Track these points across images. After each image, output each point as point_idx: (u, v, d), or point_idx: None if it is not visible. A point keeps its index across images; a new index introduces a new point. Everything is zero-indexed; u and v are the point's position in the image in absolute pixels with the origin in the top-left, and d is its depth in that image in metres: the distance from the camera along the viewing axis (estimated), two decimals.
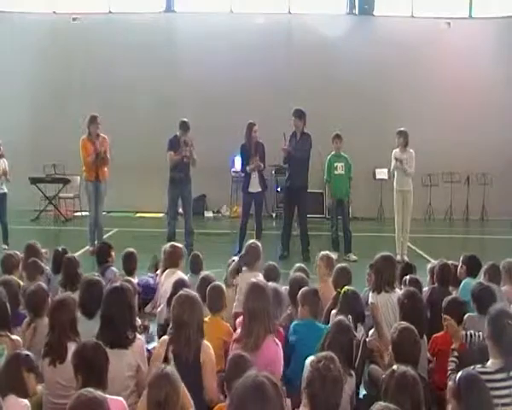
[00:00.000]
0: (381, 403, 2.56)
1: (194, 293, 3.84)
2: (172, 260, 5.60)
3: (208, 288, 4.60)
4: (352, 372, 3.56)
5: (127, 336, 3.56)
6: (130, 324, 3.65)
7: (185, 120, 9.25)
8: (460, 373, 2.87)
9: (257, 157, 8.94)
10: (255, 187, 9.09)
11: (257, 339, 3.61)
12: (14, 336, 3.70)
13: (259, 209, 9.30)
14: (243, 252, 5.54)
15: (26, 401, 3.00)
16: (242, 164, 9.28)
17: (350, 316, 4.00)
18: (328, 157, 9.48)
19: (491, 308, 3.59)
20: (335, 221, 9.47)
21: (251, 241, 5.58)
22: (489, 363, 3.31)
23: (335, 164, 9.36)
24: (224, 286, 4.87)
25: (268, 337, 3.67)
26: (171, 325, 3.68)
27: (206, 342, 3.63)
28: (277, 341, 3.74)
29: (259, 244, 5.40)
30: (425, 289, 5.13)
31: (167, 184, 9.33)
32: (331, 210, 9.62)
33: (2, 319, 3.74)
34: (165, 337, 3.66)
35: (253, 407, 2.20)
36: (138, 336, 3.77)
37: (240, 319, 4.30)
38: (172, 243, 5.96)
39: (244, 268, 5.33)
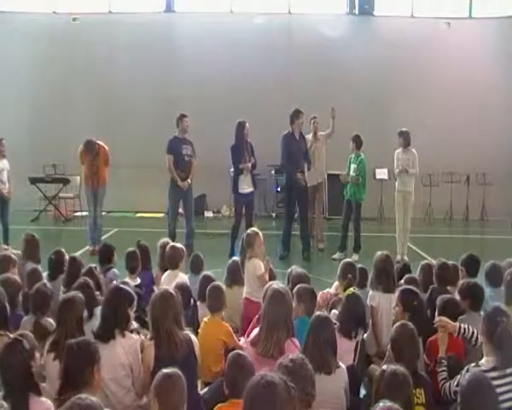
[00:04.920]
0: (387, 401, 2.52)
1: (167, 289, 3.86)
2: (173, 262, 5.60)
3: (208, 288, 4.61)
4: (341, 364, 3.54)
5: (111, 332, 3.59)
6: (116, 322, 3.65)
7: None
8: (466, 374, 2.84)
9: (251, 157, 9.06)
10: (247, 187, 9.10)
11: (279, 345, 3.62)
12: (12, 336, 3.69)
13: (251, 209, 9.30)
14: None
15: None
16: (235, 164, 9.17)
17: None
18: (349, 156, 9.48)
19: (488, 306, 3.58)
20: (343, 221, 9.49)
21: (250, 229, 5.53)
22: (483, 361, 3.30)
23: (351, 165, 9.35)
24: (223, 286, 4.88)
25: (289, 341, 3.68)
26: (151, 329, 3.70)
27: (189, 334, 3.68)
28: (297, 343, 3.73)
29: (253, 232, 5.32)
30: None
31: (168, 185, 9.32)
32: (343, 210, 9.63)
33: (0, 319, 3.73)
34: (150, 343, 3.65)
35: (263, 408, 2.21)
36: (132, 335, 3.78)
37: (254, 320, 4.29)
38: (172, 243, 5.94)
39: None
